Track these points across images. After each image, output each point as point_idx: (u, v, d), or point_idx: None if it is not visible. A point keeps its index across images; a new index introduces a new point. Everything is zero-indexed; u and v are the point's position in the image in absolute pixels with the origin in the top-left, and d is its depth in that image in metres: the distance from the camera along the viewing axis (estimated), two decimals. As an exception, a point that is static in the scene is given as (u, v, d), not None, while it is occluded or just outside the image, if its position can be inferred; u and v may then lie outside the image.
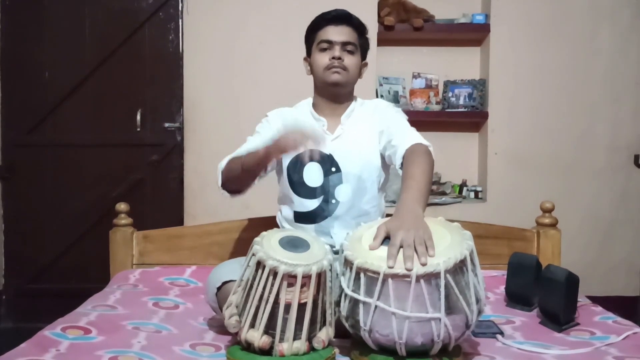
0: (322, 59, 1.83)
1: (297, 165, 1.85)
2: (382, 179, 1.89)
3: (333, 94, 1.87)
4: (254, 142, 1.86)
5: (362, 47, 1.89)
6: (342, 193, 1.83)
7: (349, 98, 1.91)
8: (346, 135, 1.86)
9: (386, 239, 1.37)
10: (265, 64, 3.31)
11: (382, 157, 1.87)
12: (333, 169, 1.83)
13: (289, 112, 1.95)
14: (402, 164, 1.69)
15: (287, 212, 1.88)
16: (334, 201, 1.83)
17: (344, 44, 1.82)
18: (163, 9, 3.34)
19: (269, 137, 1.87)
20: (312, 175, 1.84)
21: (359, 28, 1.87)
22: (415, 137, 1.75)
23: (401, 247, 1.32)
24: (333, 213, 1.83)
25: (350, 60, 1.83)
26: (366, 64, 1.93)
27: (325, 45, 1.82)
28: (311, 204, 1.84)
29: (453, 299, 1.29)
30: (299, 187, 1.85)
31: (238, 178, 1.74)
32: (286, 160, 1.87)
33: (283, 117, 1.93)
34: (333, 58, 1.80)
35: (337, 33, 1.82)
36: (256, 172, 1.70)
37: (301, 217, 1.84)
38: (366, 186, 1.84)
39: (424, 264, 1.28)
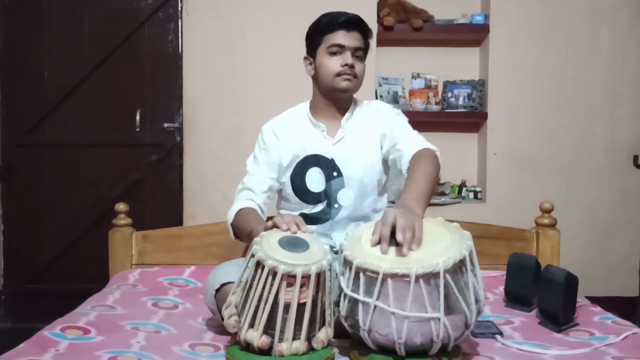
0: (333, 64, 1.79)
1: (299, 172, 1.85)
2: (382, 181, 1.89)
3: (338, 99, 1.86)
4: (254, 175, 1.86)
5: (366, 52, 1.88)
6: (344, 197, 1.84)
7: (350, 102, 1.91)
8: (347, 139, 1.86)
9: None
10: (265, 64, 3.31)
11: (383, 160, 1.87)
12: (335, 174, 1.83)
13: (282, 122, 1.92)
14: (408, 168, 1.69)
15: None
16: (336, 205, 1.84)
17: (356, 50, 1.80)
18: (162, 9, 3.34)
19: (267, 161, 1.87)
20: (315, 180, 1.85)
21: (367, 34, 1.86)
22: (421, 141, 1.75)
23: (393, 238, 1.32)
24: (335, 217, 1.84)
25: (359, 67, 1.82)
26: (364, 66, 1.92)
27: (335, 49, 1.79)
28: (314, 209, 1.85)
29: (452, 299, 1.29)
30: (303, 193, 1.86)
31: (246, 239, 1.73)
32: (288, 172, 1.87)
33: (275, 130, 1.90)
34: (345, 65, 1.78)
35: (349, 38, 1.79)
36: None
37: (304, 220, 1.84)
38: (367, 189, 1.85)
39: (404, 254, 1.29)
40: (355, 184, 1.83)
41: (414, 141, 1.75)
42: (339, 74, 1.79)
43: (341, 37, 1.79)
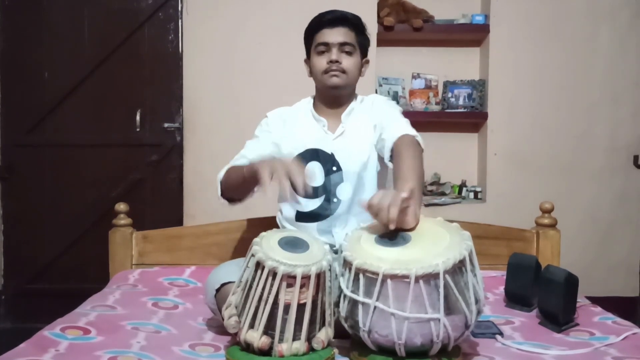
0: (320, 62, 1.82)
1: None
2: (381, 175, 1.89)
3: (333, 96, 1.87)
4: (253, 147, 1.87)
5: (362, 45, 1.87)
6: (343, 192, 1.84)
7: (350, 98, 1.91)
8: (347, 134, 1.87)
9: (383, 239, 1.37)
10: (265, 64, 3.31)
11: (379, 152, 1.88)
12: (334, 168, 1.84)
13: (288, 112, 1.95)
14: (390, 156, 1.69)
15: (288, 211, 1.88)
16: (335, 200, 1.84)
17: (341, 45, 1.81)
18: (162, 9, 3.34)
19: (269, 140, 1.88)
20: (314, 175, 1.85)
21: (357, 27, 1.86)
22: (402, 128, 1.74)
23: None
24: (335, 212, 1.84)
25: (348, 62, 1.82)
26: (367, 61, 1.92)
27: (322, 48, 1.82)
28: (313, 204, 1.85)
29: (452, 300, 1.29)
30: None
31: (237, 187, 1.73)
32: None
33: (282, 117, 1.93)
34: (331, 62, 1.80)
35: (333, 35, 1.81)
36: (254, 184, 1.64)
37: (303, 217, 1.85)
38: (365, 183, 1.85)
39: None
40: (354, 178, 1.84)
41: (394, 128, 1.74)
42: (326, 71, 1.81)
43: (325, 35, 1.82)
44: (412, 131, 1.73)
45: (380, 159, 1.89)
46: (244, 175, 1.63)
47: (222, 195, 1.80)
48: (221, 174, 1.79)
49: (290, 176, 1.44)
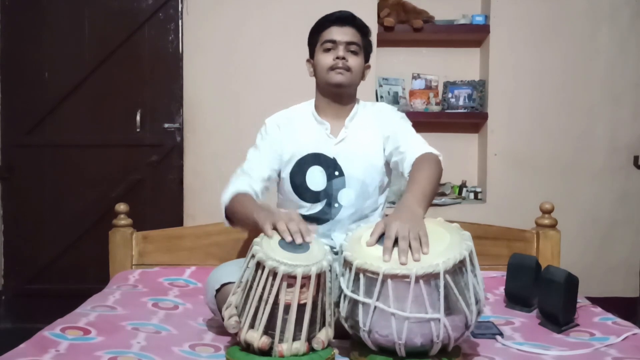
0: (326, 59, 1.82)
1: (300, 170, 1.85)
2: (384, 183, 1.89)
3: (336, 95, 1.87)
4: (254, 161, 1.86)
5: (365, 49, 1.88)
6: (345, 197, 1.84)
7: (352, 100, 1.91)
8: (350, 139, 1.86)
9: (383, 237, 1.37)
10: (265, 64, 3.31)
11: (385, 162, 1.87)
12: (336, 173, 1.83)
13: (286, 116, 1.93)
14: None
15: None
16: (337, 205, 1.84)
17: (348, 44, 1.81)
18: (163, 9, 3.34)
19: (270, 150, 1.87)
20: (316, 179, 1.84)
21: (363, 29, 1.87)
22: (424, 145, 1.76)
23: (396, 240, 1.32)
24: (336, 217, 1.84)
25: (354, 61, 1.82)
26: (369, 66, 1.93)
27: (329, 45, 1.82)
28: (314, 208, 1.84)
29: (452, 300, 1.29)
30: (302, 191, 1.85)
31: (239, 223, 1.71)
32: (288, 168, 1.87)
33: (279, 122, 1.91)
34: (337, 58, 1.80)
35: (341, 33, 1.82)
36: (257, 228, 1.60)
37: (304, 220, 1.84)
38: (369, 190, 1.85)
39: (417, 260, 1.29)
40: (357, 184, 1.83)
41: (416, 145, 1.76)
42: (332, 68, 1.81)
43: (333, 33, 1.82)
44: (435, 150, 1.74)
45: (387, 170, 1.89)
46: (247, 221, 1.59)
47: (227, 219, 1.76)
48: (225, 198, 1.74)
49: (289, 228, 1.43)
